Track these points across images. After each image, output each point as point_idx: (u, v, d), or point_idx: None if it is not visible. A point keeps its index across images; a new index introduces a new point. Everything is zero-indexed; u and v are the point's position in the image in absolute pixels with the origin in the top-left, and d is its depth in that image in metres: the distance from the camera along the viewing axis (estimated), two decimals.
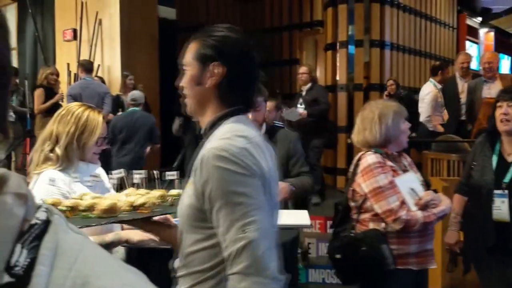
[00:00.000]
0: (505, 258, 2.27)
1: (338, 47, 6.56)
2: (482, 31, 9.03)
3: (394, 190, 2.04)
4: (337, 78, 6.56)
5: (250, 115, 2.48)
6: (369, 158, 2.09)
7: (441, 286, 3.11)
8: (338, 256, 2.14)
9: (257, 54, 1.22)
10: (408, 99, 5.74)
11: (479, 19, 9.21)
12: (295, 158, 2.56)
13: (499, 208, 2.23)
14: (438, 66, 5.41)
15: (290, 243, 2.14)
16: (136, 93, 4.77)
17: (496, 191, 2.24)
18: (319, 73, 7.02)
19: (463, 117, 4.85)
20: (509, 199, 2.21)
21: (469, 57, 5.26)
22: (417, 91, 5.82)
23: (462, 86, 4.96)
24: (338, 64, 6.57)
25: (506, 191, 2.21)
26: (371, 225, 2.10)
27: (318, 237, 4.15)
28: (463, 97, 4.89)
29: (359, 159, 2.14)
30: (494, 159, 2.32)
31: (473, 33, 8.82)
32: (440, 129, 4.99)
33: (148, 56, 6.17)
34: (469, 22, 8.77)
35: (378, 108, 2.16)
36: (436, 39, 7.85)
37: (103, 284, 0.40)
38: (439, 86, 5.13)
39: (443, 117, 5.13)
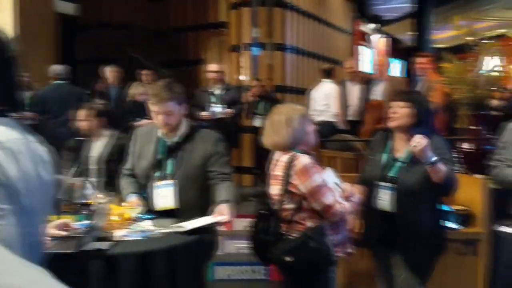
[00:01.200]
0: (390, 246, 2.52)
1: (242, 49, 6.73)
2: (376, 37, 9.74)
3: (327, 187, 2.22)
4: (241, 79, 6.74)
5: (160, 119, 2.49)
6: (303, 160, 2.22)
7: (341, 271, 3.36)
8: (289, 259, 2.20)
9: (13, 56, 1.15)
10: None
11: (373, 25, 9.90)
12: (214, 158, 2.52)
13: (383, 199, 2.49)
14: (328, 68, 5.76)
15: (196, 244, 2.16)
16: (58, 67, 5.10)
17: (380, 183, 2.50)
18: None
19: (351, 118, 5.22)
20: (395, 192, 2.45)
21: (354, 63, 5.67)
22: None
23: (351, 88, 5.35)
24: (242, 65, 6.75)
25: (389, 184, 2.47)
26: (309, 223, 2.24)
27: (225, 234, 4.22)
28: (351, 99, 5.27)
29: (291, 162, 2.22)
30: (385, 155, 2.57)
31: (367, 38, 9.48)
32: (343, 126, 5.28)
33: (45, 54, 5.87)
34: (363, 28, 9.41)
35: (285, 112, 2.30)
36: (333, 43, 8.33)
37: (7, 281, 0.42)
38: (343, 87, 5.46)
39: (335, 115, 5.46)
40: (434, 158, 2.32)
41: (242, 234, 4.37)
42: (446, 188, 2.43)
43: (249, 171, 6.28)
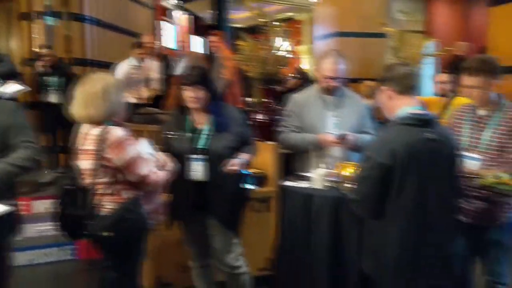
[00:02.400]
0: (204, 211, 2.70)
1: (33, 17, 6.15)
2: (178, 13, 9.87)
3: (142, 158, 2.23)
4: (35, 50, 6.16)
5: None
6: (116, 132, 2.17)
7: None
8: (107, 233, 2.16)
9: None
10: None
11: (174, 1, 9.99)
12: (14, 129, 2.35)
13: (196, 170, 2.64)
14: (136, 43, 5.71)
15: None
16: None
17: (192, 156, 2.64)
18: (14, 45, 6.45)
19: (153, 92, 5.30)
20: (207, 162, 2.63)
21: (153, 38, 5.72)
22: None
23: (150, 64, 5.40)
24: (35, 35, 6.17)
25: (200, 156, 2.64)
26: (124, 195, 2.23)
27: (24, 218, 3.93)
28: (152, 74, 5.34)
29: (103, 135, 2.15)
30: (188, 129, 2.72)
31: (169, 14, 9.55)
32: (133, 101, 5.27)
33: None
34: (165, 3, 9.43)
35: (100, 83, 2.22)
36: (135, 17, 8.17)
37: None
38: (138, 63, 5.43)
39: (142, 92, 5.45)
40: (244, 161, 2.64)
41: (43, 216, 4.13)
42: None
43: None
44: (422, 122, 2.09)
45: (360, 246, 2.27)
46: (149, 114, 4.88)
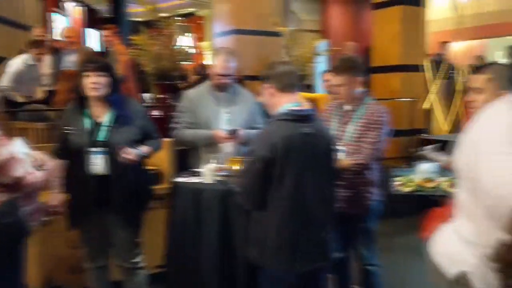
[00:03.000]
0: (105, 208, 2.64)
1: None
2: (71, 5, 9.39)
3: (16, 159, 2.10)
4: None
5: None
6: None
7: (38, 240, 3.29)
8: None
9: None
10: None
11: None
12: None
13: (96, 164, 2.58)
14: (34, 41, 5.33)
15: None
16: None
17: (91, 149, 2.57)
18: None
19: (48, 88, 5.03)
20: (107, 154, 2.58)
21: (44, 30, 5.40)
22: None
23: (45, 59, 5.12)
24: None
25: (101, 148, 2.58)
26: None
27: None
28: (44, 69, 5.06)
29: None
30: (87, 122, 2.64)
31: (61, 5, 9.05)
32: (21, 100, 4.97)
33: None
34: None
35: None
36: (22, 7, 7.64)
37: None
38: (34, 61, 5.09)
39: (35, 93, 5.11)
40: (142, 154, 2.64)
41: None
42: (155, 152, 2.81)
43: None
44: (300, 117, 2.23)
45: (247, 237, 2.37)
46: (35, 111, 4.62)
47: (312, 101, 4.52)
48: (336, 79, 2.79)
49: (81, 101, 2.70)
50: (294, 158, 2.15)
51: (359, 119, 2.79)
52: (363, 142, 2.74)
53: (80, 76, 2.65)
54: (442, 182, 2.68)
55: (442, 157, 2.64)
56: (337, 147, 2.57)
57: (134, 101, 2.99)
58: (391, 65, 6.09)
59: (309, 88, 5.82)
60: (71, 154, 2.64)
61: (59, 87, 4.64)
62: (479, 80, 1.97)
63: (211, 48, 9.14)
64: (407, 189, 2.77)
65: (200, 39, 15.01)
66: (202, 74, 8.74)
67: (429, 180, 2.73)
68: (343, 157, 2.69)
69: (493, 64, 2.13)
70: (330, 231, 2.33)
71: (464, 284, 1.45)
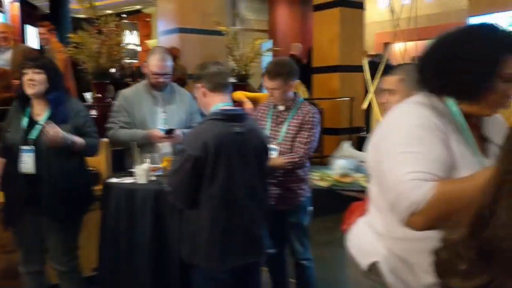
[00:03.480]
0: (37, 208, 2.57)
1: None
2: (7, 1, 9.01)
3: None
4: None
5: None
6: None
7: None
8: None
9: None
10: None
11: None
12: None
13: (26, 162, 2.53)
14: None
15: None
16: None
17: (23, 147, 2.52)
18: None
19: None
20: (36, 153, 2.53)
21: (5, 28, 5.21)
22: None
23: None
24: None
25: (32, 147, 2.53)
26: None
27: None
28: None
29: None
30: (25, 120, 2.60)
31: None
32: None
33: None
34: None
35: None
36: None
37: None
38: None
39: None
40: (70, 140, 2.54)
41: None
42: (89, 150, 2.77)
43: None
44: (231, 117, 2.27)
45: (180, 236, 2.39)
46: None
47: (253, 100, 4.58)
48: (269, 83, 2.84)
49: (23, 99, 2.65)
50: (225, 157, 2.19)
51: (292, 119, 2.87)
52: (296, 142, 2.82)
53: (20, 74, 2.61)
54: (359, 177, 2.71)
55: (358, 153, 2.72)
56: (270, 146, 2.64)
57: (74, 100, 2.94)
58: (331, 65, 6.25)
59: (249, 87, 5.88)
60: (7, 152, 2.61)
61: None
62: (391, 81, 2.07)
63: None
64: (323, 184, 2.80)
65: (147, 37, 14.79)
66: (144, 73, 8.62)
67: (346, 175, 2.77)
68: (276, 156, 2.76)
69: (404, 65, 2.23)
70: (262, 228, 2.38)
71: (376, 274, 1.53)
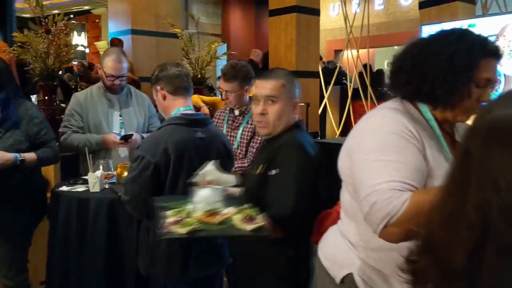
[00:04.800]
0: None
1: None
2: None
3: None
4: None
5: None
6: None
7: None
8: None
9: None
10: None
11: None
12: None
13: None
14: None
15: None
16: None
17: None
18: None
19: None
20: None
21: None
22: None
23: None
24: None
25: None
26: None
27: None
28: None
29: None
30: None
31: None
32: None
33: None
34: None
35: None
36: None
37: None
38: None
39: None
40: (19, 160, 2.41)
41: None
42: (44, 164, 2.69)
43: None
44: (193, 122, 2.18)
45: (137, 247, 2.26)
46: None
47: (210, 104, 4.49)
48: (225, 86, 2.80)
49: None
50: (187, 163, 2.09)
51: (246, 125, 2.83)
52: (250, 147, 2.78)
53: None
54: (231, 214, 1.74)
55: (225, 177, 1.89)
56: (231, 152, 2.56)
57: (28, 103, 2.72)
58: None
59: (207, 91, 5.79)
60: None
61: None
62: (273, 87, 1.96)
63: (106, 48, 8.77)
64: (183, 230, 1.66)
65: (96, 38, 14.34)
66: (83, 74, 8.33)
67: (213, 212, 1.75)
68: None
69: (277, 69, 2.12)
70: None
71: (350, 286, 1.48)
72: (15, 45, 4.44)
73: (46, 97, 4.13)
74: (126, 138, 2.94)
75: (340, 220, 1.59)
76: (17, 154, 2.42)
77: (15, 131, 2.45)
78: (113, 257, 2.43)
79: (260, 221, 1.67)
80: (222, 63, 6.96)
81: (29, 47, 4.25)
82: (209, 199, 1.79)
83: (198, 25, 5.92)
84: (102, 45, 12.11)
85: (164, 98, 2.22)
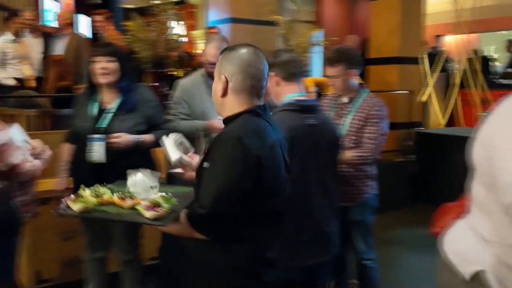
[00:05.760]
0: None
1: None
2: None
3: (14, 146, 2.06)
4: None
5: None
6: None
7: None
8: None
9: None
10: None
11: None
12: None
13: (96, 151, 2.51)
14: (10, 14, 5.12)
15: None
16: None
17: (93, 136, 2.50)
18: None
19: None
20: (105, 142, 2.50)
21: (35, 14, 5.25)
22: None
23: (30, 42, 4.97)
24: None
25: (104, 135, 2.50)
26: None
27: None
28: (33, 53, 4.90)
29: None
30: (95, 108, 2.59)
31: None
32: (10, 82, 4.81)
33: None
34: None
35: None
36: None
37: None
38: (11, 37, 4.91)
39: (23, 70, 4.94)
40: (140, 141, 2.56)
41: None
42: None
43: None
44: (304, 108, 2.15)
45: None
46: (25, 97, 4.48)
47: (319, 85, 4.43)
48: (330, 70, 2.72)
49: (91, 87, 2.62)
50: (298, 150, 2.07)
51: (356, 112, 2.73)
52: (362, 136, 2.68)
53: (89, 62, 2.58)
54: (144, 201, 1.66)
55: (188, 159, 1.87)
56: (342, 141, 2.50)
57: (143, 87, 2.89)
58: (388, 57, 6.02)
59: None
60: (78, 140, 2.60)
61: (49, 74, 4.51)
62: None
63: (203, 37, 9.00)
64: (76, 207, 1.65)
65: (192, 27, 14.81)
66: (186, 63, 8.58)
67: (129, 197, 1.72)
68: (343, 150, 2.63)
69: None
70: (333, 224, 2.26)
71: (481, 284, 1.38)
72: (125, 34, 4.71)
73: (154, 84, 4.33)
74: None
75: (471, 214, 1.49)
76: (138, 136, 2.57)
77: (135, 114, 2.59)
78: None
79: (164, 211, 1.59)
80: (317, 50, 6.86)
81: (137, 36, 4.49)
82: (142, 183, 1.79)
83: (291, 12, 5.86)
84: (199, 34, 12.45)
85: (278, 84, 2.22)
